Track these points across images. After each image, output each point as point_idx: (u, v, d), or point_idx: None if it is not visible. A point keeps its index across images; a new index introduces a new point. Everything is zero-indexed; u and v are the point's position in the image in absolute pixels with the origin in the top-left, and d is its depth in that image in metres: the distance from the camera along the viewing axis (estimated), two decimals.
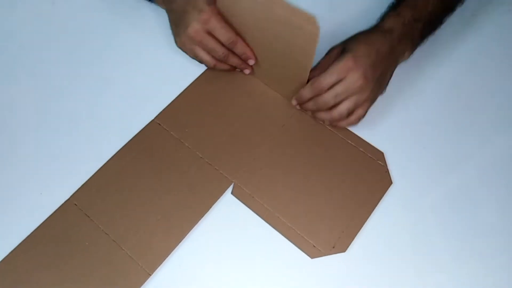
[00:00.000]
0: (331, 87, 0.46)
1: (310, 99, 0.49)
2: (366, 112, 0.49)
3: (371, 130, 0.52)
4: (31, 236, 0.45)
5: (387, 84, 0.50)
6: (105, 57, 0.56)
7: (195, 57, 0.52)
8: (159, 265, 0.44)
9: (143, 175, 0.48)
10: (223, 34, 0.49)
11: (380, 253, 0.45)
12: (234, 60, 0.52)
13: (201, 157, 0.49)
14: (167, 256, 0.44)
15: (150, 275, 0.43)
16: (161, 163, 0.49)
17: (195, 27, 0.48)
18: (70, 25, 0.58)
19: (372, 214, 0.47)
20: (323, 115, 0.49)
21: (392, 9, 0.50)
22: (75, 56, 0.56)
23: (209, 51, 0.51)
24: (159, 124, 0.51)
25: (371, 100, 0.48)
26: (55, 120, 0.52)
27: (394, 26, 0.48)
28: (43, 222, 0.45)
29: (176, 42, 0.52)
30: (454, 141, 0.52)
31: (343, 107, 0.47)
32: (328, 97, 0.46)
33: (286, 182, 0.48)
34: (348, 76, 0.45)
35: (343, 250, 0.45)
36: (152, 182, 0.48)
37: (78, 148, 0.50)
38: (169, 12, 0.54)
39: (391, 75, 0.50)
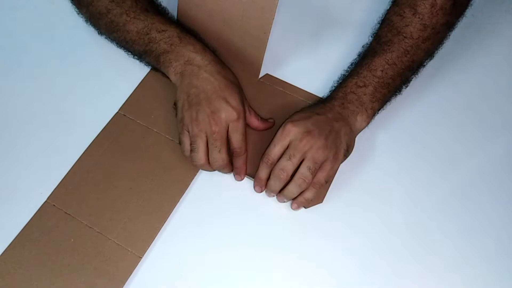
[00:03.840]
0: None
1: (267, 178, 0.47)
2: (330, 173, 0.46)
3: None
4: (13, 243, 0.44)
5: (348, 149, 0.48)
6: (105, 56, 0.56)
7: (192, 142, 0.46)
8: (148, 247, 0.45)
9: (117, 166, 0.49)
10: (239, 140, 0.46)
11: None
12: (225, 171, 0.48)
13: (171, 140, 0.50)
14: (154, 237, 0.45)
15: (141, 257, 0.44)
16: (133, 152, 0.50)
17: (221, 119, 0.45)
18: (70, 24, 0.58)
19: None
20: (289, 188, 0.45)
21: (338, 83, 0.52)
22: (75, 55, 0.56)
23: (210, 150, 0.46)
24: (124, 115, 0.52)
25: (332, 161, 0.46)
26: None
27: (335, 94, 0.49)
28: (23, 228, 0.45)
29: (183, 118, 0.46)
30: (452, 139, 0.53)
31: (303, 168, 0.45)
32: (283, 162, 0.45)
33: (256, 141, 0.50)
34: (291, 139, 0.45)
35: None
36: (127, 171, 0.49)
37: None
38: (189, 88, 0.47)
39: (350, 140, 0.48)
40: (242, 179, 0.49)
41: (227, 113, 0.45)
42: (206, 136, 0.45)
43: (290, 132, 0.45)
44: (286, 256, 0.46)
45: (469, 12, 0.53)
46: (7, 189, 0.47)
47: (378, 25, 0.52)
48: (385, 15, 0.52)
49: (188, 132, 0.46)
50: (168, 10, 0.54)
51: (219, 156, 0.46)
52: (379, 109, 0.50)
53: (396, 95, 0.51)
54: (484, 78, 0.58)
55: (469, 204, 0.50)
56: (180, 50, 0.48)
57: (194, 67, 0.47)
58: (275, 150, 0.46)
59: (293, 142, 0.45)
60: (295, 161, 0.45)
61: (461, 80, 0.57)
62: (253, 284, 0.44)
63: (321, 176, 0.45)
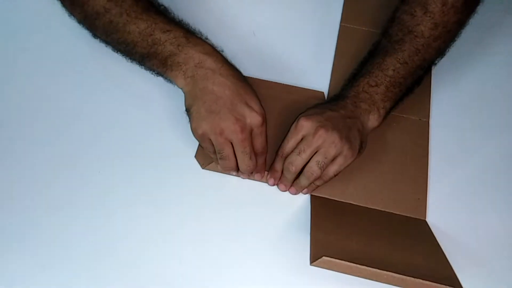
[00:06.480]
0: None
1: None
2: (341, 168, 0.45)
3: None
4: None
5: (361, 145, 0.47)
6: (106, 56, 0.55)
7: (219, 151, 0.44)
8: None
9: None
10: (263, 142, 0.46)
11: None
12: (254, 174, 0.49)
13: None
14: None
15: None
16: None
17: (247, 125, 0.44)
18: (71, 24, 0.57)
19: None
20: (299, 180, 0.47)
21: (349, 81, 0.52)
22: (75, 56, 0.56)
23: (239, 156, 0.45)
24: None
25: (345, 155, 0.45)
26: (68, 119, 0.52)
27: (347, 93, 0.49)
28: None
29: (198, 127, 0.44)
30: (452, 139, 0.53)
31: (312, 163, 0.45)
32: (292, 156, 0.45)
33: (271, 136, 0.50)
34: (304, 133, 0.45)
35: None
36: None
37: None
38: (204, 93, 0.44)
39: (363, 137, 0.48)
40: (262, 177, 0.49)
41: (252, 119, 0.44)
42: (231, 143, 0.44)
43: (303, 127, 0.45)
44: (287, 256, 0.46)
45: None
46: (8, 190, 0.48)
47: (388, 23, 0.52)
48: (394, 13, 0.51)
49: (210, 139, 0.44)
50: (170, 10, 0.51)
51: (251, 162, 0.45)
52: (391, 108, 0.50)
53: (408, 94, 0.51)
54: (484, 78, 0.58)
55: (469, 204, 0.50)
56: (189, 51, 0.45)
57: (206, 70, 0.45)
58: (289, 144, 0.46)
59: (305, 136, 0.45)
60: (305, 156, 0.45)
61: (461, 80, 0.57)
62: (254, 285, 0.45)
63: (332, 170, 0.45)
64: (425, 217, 0.48)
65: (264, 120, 0.45)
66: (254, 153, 0.46)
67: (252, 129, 0.44)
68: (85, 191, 0.48)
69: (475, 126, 0.54)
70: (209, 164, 0.50)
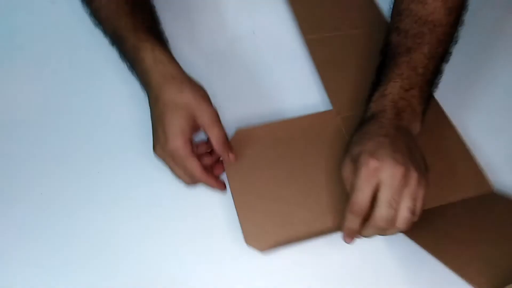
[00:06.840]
0: (374, 202, 0.38)
1: (360, 227, 0.40)
2: (425, 199, 0.39)
3: None
4: None
5: (425, 161, 0.42)
6: (105, 56, 0.55)
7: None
8: None
9: None
10: (182, 176, 0.44)
11: None
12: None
13: None
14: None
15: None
16: None
17: (159, 152, 0.43)
18: (70, 24, 0.58)
19: None
20: (390, 231, 0.39)
21: (376, 90, 0.45)
22: (75, 55, 0.56)
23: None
24: None
25: (424, 186, 0.39)
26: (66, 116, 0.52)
27: (382, 106, 0.43)
28: None
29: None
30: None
31: (404, 212, 0.37)
32: (385, 212, 0.37)
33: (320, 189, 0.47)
34: (382, 177, 0.37)
35: None
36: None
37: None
38: (151, 108, 0.46)
39: (420, 151, 0.42)
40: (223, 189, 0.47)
41: (163, 147, 0.43)
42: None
43: (377, 170, 0.37)
44: (287, 259, 0.46)
45: (469, 12, 0.53)
46: (7, 190, 0.48)
47: (394, 18, 0.48)
48: (398, 6, 0.47)
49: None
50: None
51: (183, 178, 0.44)
52: (426, 110, 0.45)
53: (435, 90, 0.47)
54: (484, 78, 0.58)
55: None
56: (153, 75, 0.44)
57: (153, 91, 0.44)
58: (364, 195, 0.38)
59: (385, 181, 0.37)
60: (395, 205, 0.37)
61: (461, 80, 0.57)
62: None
63: (419, 207, 0.39)
64: (492, 189, 0.46)
65: (176, 149, 0.42)
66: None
67: (172, 156, 0.43)
68: (85, 191, 0.48)
69: (476, 126, 0.54)
70: (269, 245, 0.44)
